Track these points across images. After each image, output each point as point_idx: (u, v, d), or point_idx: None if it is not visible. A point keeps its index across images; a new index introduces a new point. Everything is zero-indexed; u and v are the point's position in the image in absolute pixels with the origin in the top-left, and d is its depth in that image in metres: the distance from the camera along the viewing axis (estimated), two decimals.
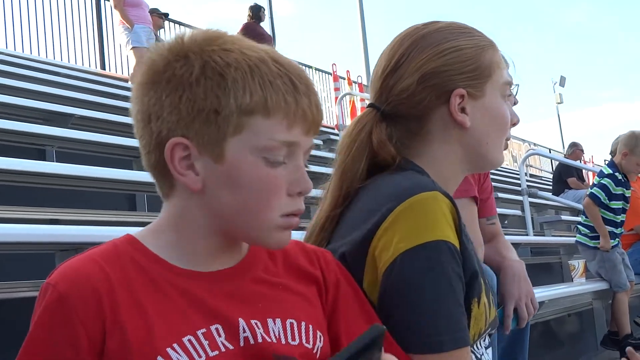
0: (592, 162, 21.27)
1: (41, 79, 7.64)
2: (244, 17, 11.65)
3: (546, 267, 7.70)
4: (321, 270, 1.32)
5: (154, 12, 10.51)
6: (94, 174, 4.30)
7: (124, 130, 6.20)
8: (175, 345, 1.10)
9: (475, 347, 1.51)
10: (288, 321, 1.21)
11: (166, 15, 11.09)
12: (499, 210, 8.37)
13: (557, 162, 13.34)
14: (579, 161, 12.21)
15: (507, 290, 2.38)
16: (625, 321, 5.59)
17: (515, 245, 6.32)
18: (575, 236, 6.08)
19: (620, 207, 5.69)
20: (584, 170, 12.46)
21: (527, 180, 10.43)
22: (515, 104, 1.68)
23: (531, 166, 20.03)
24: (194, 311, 1.14)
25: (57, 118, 5.84)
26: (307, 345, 1.21)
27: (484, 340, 1.57)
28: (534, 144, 23.63)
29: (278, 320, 1.20)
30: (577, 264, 5.59)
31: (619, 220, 5.69)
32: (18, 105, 5.70)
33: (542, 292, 4.78)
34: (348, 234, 1.46)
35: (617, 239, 5.70)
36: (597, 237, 5.67)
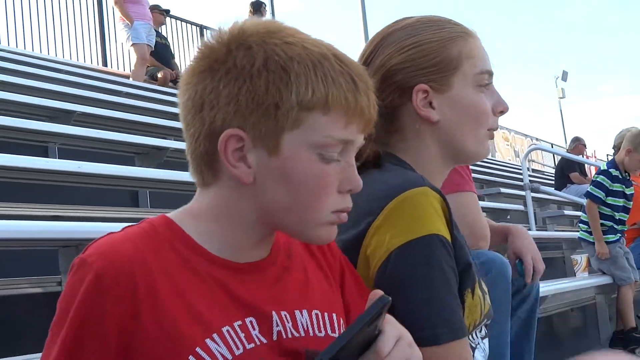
0: (595, 157, 21.22)
1: (43, 76, 7.63)
2: (245, 13, 11.63)
3: (549, 261, 7.65)
4: (329, 260, 1.33)
5: (155, 8, 10.49)
6: (96, 170, 4.30)
7: (126, 126, 6.21)
8: (214, 335, 1.10)
9: (470, 337, 1.53)
10: (314, 312, 1.22)
11: (167, 11, 11.07)
12: (502, 205, 8.41)
13: (559, 157, 13.31)
14: (581, 156, 12.19)
15: (523, 244, 2.44)
16: (630, 315, 5.59)
17: None
18: (578, 231, 6.08)
19: (621, 204, 5.71)
20: (586, 165, 12.45)
21: (530, 175, 10.40)
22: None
23: (533, 161, 19.99)
24: (231, 302, 1.15)
25: (59, 115, 5.84)
26: (332, 334, 1.22)
27: (480, 331, 1.59)
28: (537, 139, 23.60)
29: (305, 312, 1.21)
30: (580, 259, 5.60)
31: (617, 217, 5.69)
32: (20, 103, 5.70)
33: (545, 287, 4.78)
34: (342, 232, 1.47)
35: (617, 235, 5.69)
36: (584, 229, 5.74)
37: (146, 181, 4.85)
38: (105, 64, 11.82)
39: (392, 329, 1.09)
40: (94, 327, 1.07)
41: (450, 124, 1.58)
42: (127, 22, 9.33)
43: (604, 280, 5.62)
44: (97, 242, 1.13)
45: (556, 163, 13.84)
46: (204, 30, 13.74)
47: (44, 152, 5.14)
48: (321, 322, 1.22)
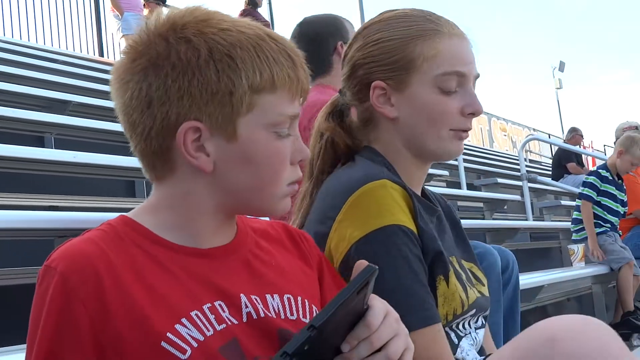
0: (592, 147, 21.26)
1: (39, 66, 7.62)
2: (241, 3, 11.60)
3: (545, 251, 7.70)
4: (306, 251, 1.36)
5: None
6: (92, 160, 4.28)
7: None
8: (183, 320, 1.11)
9: (461, 327, 1.53)
10: (285, 296, 1.24)
11: (164, 1, 11.03)
12: (499, 196, 8.42)
13: (556, 148, 13.33)
14: (578, 146, 12.20)
15: None
16: (628, 298, 5.60)
17: (515, 230, 6.35)
18: None
19: (613, 207, 5.78)
20: (583, 156, 12.46)
21: (527, 166, 10.43)
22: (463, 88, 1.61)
23: (531, 151, 20.02)
24: (198, 287, 1.15)
25: (55, 105, 5.83)
26: (304, 319, 1.23)
27: (476, 322, 1.60)
28: (534, 129, 23.62)
29: (276, 296, 1.23)
30: (577, 249, 5.61)
31: (607, 218, 5.74)
32: (17, 93, 5.69)
33: (541, 277, 4.80)
34: (312, 228, 1.52)
35: (603, 227, 5.73)
36: (581, 229, 5.79)
37: (142, 171, 4.82)
38: (101, 54, 11.81)
39: (380, 304, 1.11)
40: (68, 328, 1.08)
41: (408, 123, 1.59)
42: (117, 13, 9.32)
43: (601, 270, 5.63)
44: (59, 248, 1.14)
45: (553, 153, 13.86)
46: None
47: (40, 142, 5.14)
48: (293, 306, 1.24)
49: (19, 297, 3.02)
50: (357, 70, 1.62)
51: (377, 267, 1.08)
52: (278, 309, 1.21)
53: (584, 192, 5.75)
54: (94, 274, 1.09)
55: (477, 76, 1.61)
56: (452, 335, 1.52)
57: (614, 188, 5.81)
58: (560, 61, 27.27)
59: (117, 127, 4.92)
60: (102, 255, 1.11)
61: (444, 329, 1.47)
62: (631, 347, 5.40)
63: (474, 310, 1.57)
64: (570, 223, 6.09)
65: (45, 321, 1.08)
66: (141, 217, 1.20)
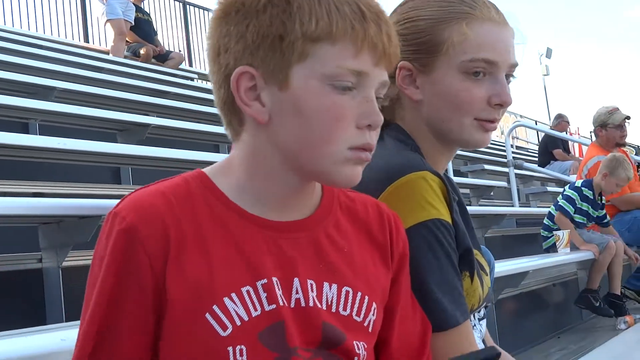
0: (578, 134, 21.31)
1: (24, 51, 7.56)
2: None
3: (532, 237, 7.72)
4: (390, 239, 1.29)
5: None
6: (77, 147, 4.25)
7: (108, 103, 6.16)
8: (233, 295, 1.10)
9: None
10: (344, 289, 1.19)
11: None
12: (485, 182, 8.43)
13: (543, 134, 13.35)
14: (564, 133, 12.24)
15: None
16: (596, 278, 5.72)
17: (501, 216, 6.37)
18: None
19: (584, 223, 5.89)
20: (569, 142, 12.50)
21: (513, 152, 10.43)
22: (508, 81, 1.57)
23: (517, 138, 20.07)
24: (258, 261, 1.13)
25: (40, 91, 5.79)
26: (356, 318, 1.20)
27: (479, 312, 1.60)
28: (520, 116, 23.66)
29: (334, 286, 1.19)
30: (562, 234, 5.63)
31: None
32: (1, 79, 5.64)
33: (527, 263, 4.81)
34: None
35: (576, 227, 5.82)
36: (550, 237, 5.90)
37: (128, 158, 4.82)
38: (86, 40, 11.71)
39: None
40: (131, 277, 1.08)
41: (432, 107, 1.55)
42: None
43: (586, 255, 5.66)
44: (129, 196, 1.15)
45: (540, 140, 13.89)
46: (187, 6, 13.64)
47: (24, 129, 5.10)
48: (349, 301, 1.19)
49: (4, 283, 3.02)
50: None
51: (500, 352, 1.07)
52: (332, 300, 1.18)
53: (562, 205, 5.81)
54: (162, 228, 1.09)
55: (514, 65, 1.54)
56: None
57: (590, 207, 5.88)
58: (547, 47, 27.31)
59: (103, 113, 4.89)
60: (170, 211, 1.11)
61: None
62: (616, 331, 5.45)
63: (484, 304, 1.57)
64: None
65: (111, 260, 1.09)
66: (217, 177, 1.19)
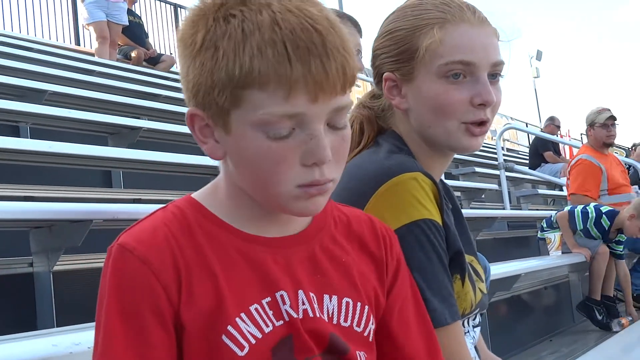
0: (569, 136, 21.36)
1: (14, 54, 7.53)
2: None
3: (523, 240, 7.74)
4: (385, 253, 1.29)
5: None
6: (68, 150, 4.24)
7: (99, 106, 6.14)
8: (242, 314, 1.10)
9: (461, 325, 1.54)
10: (344, 300, 1.20)
11: None
12: (476, 185, 8.44)
13: (533, 136, 13.38)
14: (555, 135, 12.27)
15: None
16: (597, 285, 5.68)
17: (493, 218, 6.38)
18: (551, 209, 6.13)
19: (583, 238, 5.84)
20: (560, 144, 12.53)
21: (504, 155, 10.46)
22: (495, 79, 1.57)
23: (508, 140, 20.11)
24: (259, 279, 1.14)
25: (30, 94, 5.77)
26: (357, 328, 1.20)
27: (474, 319, 1.61)
28: (511, 118, 23.71)
29: (334, 298, 1.19)
30: (554, 237, 5.64)
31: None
32: None
33: (518, 265, 4.82)
34: None
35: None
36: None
37: (119, 161, 4.80)
38: (77, 42, 11.69)
39: None
40: (150, 301, 1.08)
41: (417, 114, 1.57)
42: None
43: (577, 258, 5.67)
44: (129, 230, 1.14)
45: (530, 142, 13.92)
46: (178, 9, 13.63)
47: (15, 132, 5.09)
48: (350, 312, 1.20)
49: None
50: (374, 61, 1.63)
51: None
52: (332, 312, 1.18)
53: (574, 214, 5.75)
54: (171, 260, 1.10)
55: (498, 63, 1.54)
56: None
57: (601, 235, 5.75)
58: (538, 50, 27.40)
59: (94, 116, 4.87)
60: (174, 240, 1.11)
61: None
62: (610, 332, 5.45)
63: (477, 309, 1.58)
64: (551, 211, 6.11)
65: (119, 297, 1.08)
66: (206, 200, 1.19)
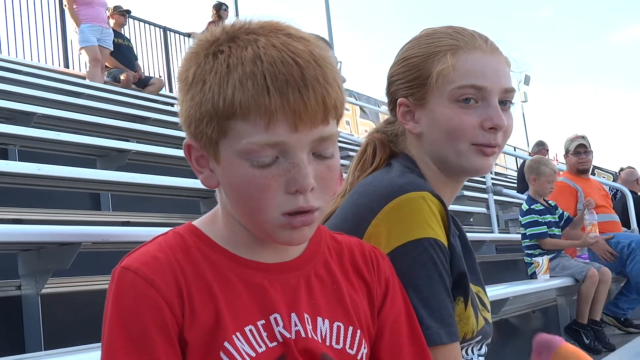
0: (557, 161, 21.46)
1: (3, 77, 7.53)
2: (209, 15, 11.58)
3: (511, 264, 7.76)
4: (374, 275, 1.33)
5: (116, 9, 10.44)
6: (57, 172, 4.24)
7: (87, 128, 6.14)
8: (237, 334, 1.14)
9: (465, 353, 1.54)
10: (336, 324, 1.24)
11: (128, 12, 10.98)
12: (465, 208, 8.44)
13: (522, 160, 13.42)
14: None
15: None
16: (585, 310, 5.71)
17: (481, 242, 6.39)
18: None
19: (557, 234, 5.97)
20: None
21: (492, 178, 10.49)
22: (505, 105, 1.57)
23: (496, 164, 20.18)
24: (256, 301, 1.18)
25: (19, 117, 5.77)
26: (350, 351, 1.23)
27: (480, 349, 1.61)
28: None
29: (327, 321, 1.23)
30: (542, 261, 5.65)
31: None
32: None
33: (506, 289, 4.82)
34: (341, 224, 1.51)
35: (552, 252, 5.89)
36: (530, 264, 5.92)
37: (108, 184, 4.80)
38: (66, 65, 11.70)
39: None
40: (158, 320, 1.11)
41: (430, 137, 1.60)
42: (75, 24, 9.29)
43: (565, 282, 5.69)
44: (133, 254, 1.18)
45: (518, 166, 13.96)
46: (167, 32, 13.67)
47: (3, 155, 5.08)
48: (342, 335, 1.23)
49: None
50: (390, 87, 1.67)
51: None
52: (325, 334, 1.22)
53: (534, 232, 5.87)
54: (174, 280, 1.14)
55: (509, 90, 1.58)
56: None
57: (550, 214, 5.95)
58: (526, 75, 27.51)
59: (83, 139, 4.87)
60: (175, 263, 1.16)
61: None
62: (599, 355, 5.46)
63: (480, 337, 1.58)
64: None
65: (125, 319, 1.11)
66: (205, 227, 1.24)
